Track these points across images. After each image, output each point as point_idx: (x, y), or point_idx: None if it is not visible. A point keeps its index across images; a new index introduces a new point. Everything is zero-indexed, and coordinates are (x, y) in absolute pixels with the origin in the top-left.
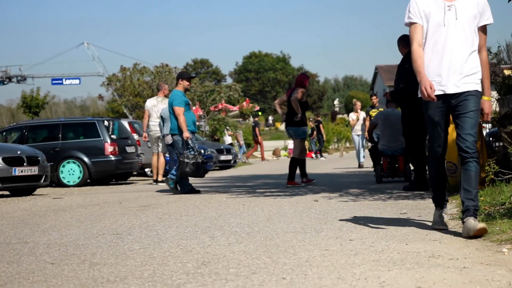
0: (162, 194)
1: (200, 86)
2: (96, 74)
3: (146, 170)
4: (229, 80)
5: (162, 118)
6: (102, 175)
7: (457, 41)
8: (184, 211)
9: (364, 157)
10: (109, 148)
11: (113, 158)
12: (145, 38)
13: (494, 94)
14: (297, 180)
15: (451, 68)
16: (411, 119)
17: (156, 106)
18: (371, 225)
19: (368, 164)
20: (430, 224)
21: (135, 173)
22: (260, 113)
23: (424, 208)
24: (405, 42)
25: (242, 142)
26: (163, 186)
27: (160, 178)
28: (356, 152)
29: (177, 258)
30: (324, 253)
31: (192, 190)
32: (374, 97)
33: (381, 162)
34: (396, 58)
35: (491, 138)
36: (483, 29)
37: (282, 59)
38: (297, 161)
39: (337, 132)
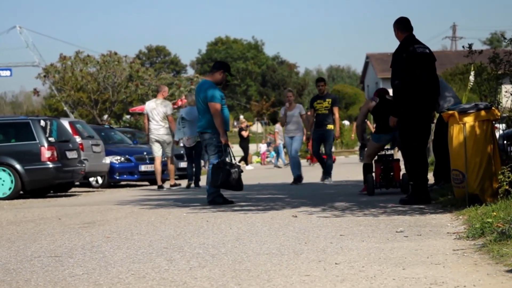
0: (110, 208)
1: (155, 78)
2: (30, 64)
3: (91, 179)
4: (190, 72)
5: (183, 119)
6: (37, 185)
7: None
8: (136, 229)
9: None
10: (46, 153)
11: (51, 165)
12: (89, 21)
13: (509, 87)
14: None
15: None
16: (410, 119)
17: (155, 109)
18: (361, 245)
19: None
20: (430, 243)
21: (77, 183)
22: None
23: (424, 225)
24: (402, 26)
25: (279, 141)
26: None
27: (172, 182)
28: (290, 161)
29: (127, 286)
30: (304, 279)
31: (226, 201)
32: (321, 83)
33: (373, 170)
34: (391, 44)
35: (505, 141)
36: None
37: (254, 46)
38: None
39: None
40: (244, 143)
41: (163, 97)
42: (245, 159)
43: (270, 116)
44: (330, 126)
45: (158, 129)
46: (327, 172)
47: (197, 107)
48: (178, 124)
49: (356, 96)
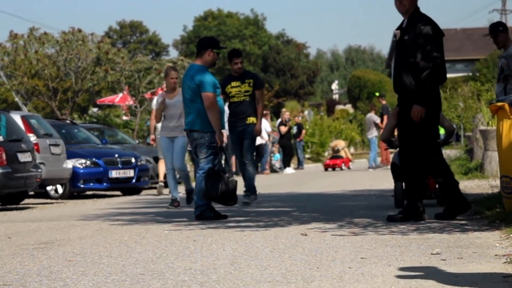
0: (72, 224)
1: (129, 62)
2: None
3: (49, 188)
4: (173, 53)
5: None
6: None
7: None
8: (106, 251)
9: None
10: None
11: None
12: None
13: None
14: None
15: None
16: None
17: None
18: (387, 271)
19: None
20: (474, 268)
21: (31, 193)
22: (377, 93)
23: (466, 245)
24: None
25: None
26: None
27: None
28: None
29: None
30: None
31: (218, 215)
32: (238, 60)
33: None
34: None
35: None
36: None
37: (253, 22)
38: None
39: (335, 131)
40: (284, 140)
41: None
42: (289, 160)
43: (273, 108)
44: (252, 119)
45: None
46: (248, 188)
47: (183, 98)
48: None
49: (381, 84)
